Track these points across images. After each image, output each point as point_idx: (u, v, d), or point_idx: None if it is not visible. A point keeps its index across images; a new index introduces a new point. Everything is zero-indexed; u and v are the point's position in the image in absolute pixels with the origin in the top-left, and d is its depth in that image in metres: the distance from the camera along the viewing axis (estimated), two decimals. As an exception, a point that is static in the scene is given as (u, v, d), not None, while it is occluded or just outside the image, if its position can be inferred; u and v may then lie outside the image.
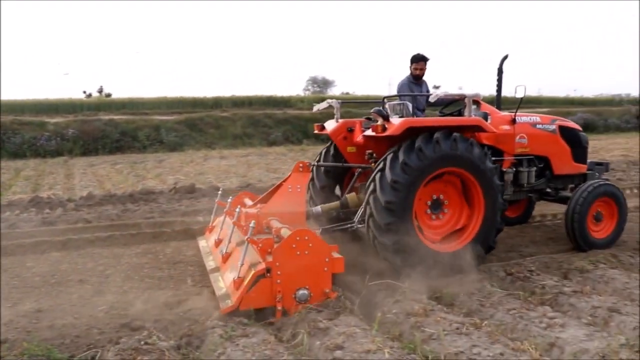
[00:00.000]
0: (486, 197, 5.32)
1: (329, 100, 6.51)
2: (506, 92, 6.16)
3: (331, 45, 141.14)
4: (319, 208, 5.79)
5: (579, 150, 6.64)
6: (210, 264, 5.34)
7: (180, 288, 5.13)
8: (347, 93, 49.93)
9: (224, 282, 4.71)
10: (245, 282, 4.23)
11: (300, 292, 4.29)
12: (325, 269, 4.36)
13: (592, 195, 6.10)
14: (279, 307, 4.22)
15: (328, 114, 6.44)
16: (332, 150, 6.44)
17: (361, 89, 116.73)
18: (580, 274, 5.09)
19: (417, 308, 4.13)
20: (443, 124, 5.28)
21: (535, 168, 6.34)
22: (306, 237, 4.33)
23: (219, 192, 6.80)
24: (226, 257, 5.01)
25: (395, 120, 5.22)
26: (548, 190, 6.62)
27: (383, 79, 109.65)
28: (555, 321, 3.94)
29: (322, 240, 4.41)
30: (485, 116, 6.00)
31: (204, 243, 6.19)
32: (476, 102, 5.93)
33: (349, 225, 5.40)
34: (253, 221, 4.61)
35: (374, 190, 5.05)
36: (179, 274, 5.60)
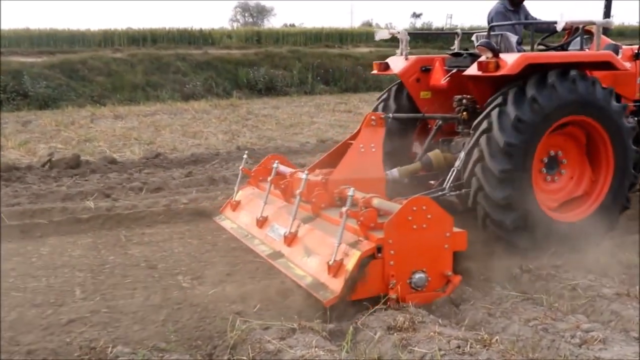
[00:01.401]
0: (615, 145, 5.86)
1: (393, 30, 6.87)
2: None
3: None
4: (395, 171, 6.18)
5: None
6: (262, 248, 5.65)
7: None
8: (293, 25, 49.56)
9: (302, 268, 4.95)
10: (350, 266, 4.45)
11: (417, 275, 4.58)
12: (446, 246, 4.66)
13: None
14: (393, 296, 4.47)
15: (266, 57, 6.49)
16: (401, 96, 6.88)
17: (311, 20, 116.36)
18: (625, 271, 5.22)
19: (402, 320, 4.11)
20: (569, 59, 5.70)
21: None
22: (424, 207, 4.58)
23: (244, 157, 7.13)
24: (291, 238, 5.31)
25: (509, 56, 5.56)
26: None
27: (341, 7, 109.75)
28: (592, 335, 4.00)
29: (442, 210, 4.66)
30: (617, 50, 6.33)
31: (230, 223, 6.59)
32: (588, 33, 6.26)
33: (439, 194, 5.66)
34: (352, 189, 4.82)
35: (479, 160, 5.48)
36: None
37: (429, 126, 6.81)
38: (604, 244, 5.70)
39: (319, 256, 4.83)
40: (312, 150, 11.74)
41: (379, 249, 4.50)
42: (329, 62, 27.97)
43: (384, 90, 7.12)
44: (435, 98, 6.73)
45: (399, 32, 6.85)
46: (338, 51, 30.91)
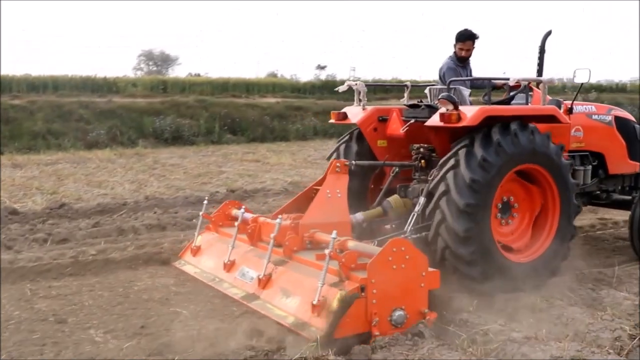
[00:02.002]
0: (561, 197, 6.32)
1: (351, 82, 7.24)
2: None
3: (170, 15, 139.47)
4: (359, 215, 6.48)
5: (634, 145, 7.63)
6: (234, 291, 5.86)
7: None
8: (198, 74, 49.48)
9: (281, 309, 5.18)
10: (335, 305, 4.69)
11: (397, 313, 4.84)
12: (422, 284, 4.96)
13: None
14: (376, 332, 4.73)
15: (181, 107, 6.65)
16: (357, 144, 7.25)
17: (216, 70, 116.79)
18: (531, 314, 5.41)
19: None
20: (519, 113, 6.18)
21: (590, 166, 7.22)
22: (403, 248, 4.89)
23: (205, 203, 7.26)
24: (266, 281, 5.55)
25: (468, 109, 5.97)
26: (597, 192, 7.48)
27: (247, 58, 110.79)
28: (507, 378, 4.13)
29: (419, 251, 4.98)
30: (559, 104, 6.84)
31: (192, 268, 6.77)
32: (530, 89, 6.67)
33: (402, 237, 5.76)
34: (335, 231, 5.10)
35: (445, 193, 5.80)
36: None
37: (385, 173, 7.23)
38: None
39: (298, 297, 5.10)
40: (222, 200, 11.62)
41: (362, 289, 4.75)
42: (235, 112, 27.99)
43: (341, 138, 7.47)
44: (391, 146, 7.15)
45: (356, 84, 7.25)
46: (245, 101, 31.02)
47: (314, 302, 4.81)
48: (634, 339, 4.77)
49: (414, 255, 4.93)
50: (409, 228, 6.04)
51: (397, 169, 6.97)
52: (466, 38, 7.31)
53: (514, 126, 5.98)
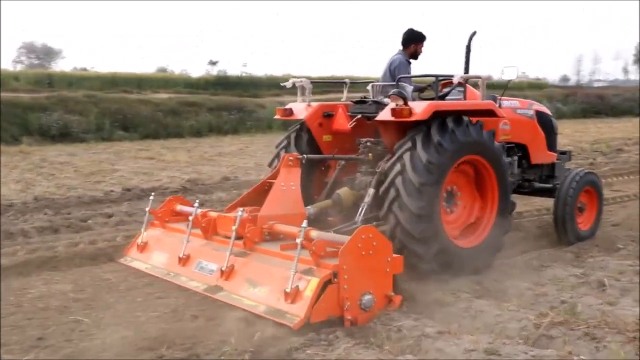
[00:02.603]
0: (500, 188, 6.74)
1: (297, 79, 7.53)
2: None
3: (52, 7, 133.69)
4: (311, 208, 6.70)
5: (551, 137, 8.32)
6: (193, 284, 5.93)
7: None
8: (84, 69, 47.70)
9: (250, 299, 5.32)
10: (308, 292, 4.93)
11: (366, 297, 5.10)
12: (388, 269, 5.27)
13: (580, 185, 7.87)
14: (349, 317, 4.99)
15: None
16: (304, 139, 7.42)
17: (102, 65, 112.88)
18: (440, 309, 5.46)
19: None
20: (463, 107, 6.57)
21: (516, 157, 7.79)
22: (370, 235, 5.16)
23: (151, 198, 7.27)
24: (229, 272, 5.67)
25: (418, 104, 6.27)
26: (521, 182, 8.10)
27: (134, 53, 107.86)
28: (423, 375, 4.12)
29: (385, 237, 5.33)
30: (495, 99, 7.30)
31: (141, 264, 6.71)
32: (462, 85, 7.07)
33: (354, 226, 6.11)
34: (305, 221, 5.42)
35: (401, 172, 6.07)
36: None
37: (329, 167, 7.52)
38: (424, 282, 5.98)
39: (267, 286, 5.29)
40: (118, 199, 11.19)
41: (334, 275, 4.99)
42: (127, 108, 27.06)
43: (286, 135, 7.66)
44: (335, 141, 7.46)
45: (301, 81, 7.54)
46: (136, 97, 30.11)
47: (287, 290, 5.00)
48: (539, 327, 4.89)
49: (380, 241, 5.22)
50: (360, 218, 6.36)
51: (343, 163, 7.27)
52: (424, 38, 7.76)
53: (466, 119, 6.39)
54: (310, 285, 4.98)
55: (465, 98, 6.99)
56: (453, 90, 7.22)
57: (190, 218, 6.44)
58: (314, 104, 7.43)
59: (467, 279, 6.22)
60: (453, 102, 6.83)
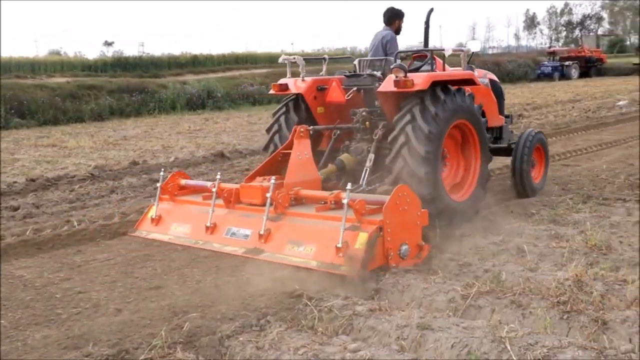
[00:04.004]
0: (482, 148, 7.62)
1: (287, 57, 8.18)
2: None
3: None
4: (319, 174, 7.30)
5: (501, 102, 9.15)
6: (230, 249, 6.50)
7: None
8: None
9: (297, 257, 5.96)
10: (359, 245, 5.65)
11: (403, 247, 5.83)
12: (418, 222, 5.98)
13: (533, 144, 8.78)
14: (393, 264, 5.72)
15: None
16: (302, 111, 8.07)
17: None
18: (368, 286, 5.45)
19: None
20: (452, 78, 7.41)
21: None
22: (405, 193, 5.90)
23: (161, 174, 7.62)
24: (267, 235, 6.30)
25: (418, 75, 6.92)
26: None
27: (23, 35, 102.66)
28: (361, 355, 4.08)
29: (415, 195, 5.99)
30: (473, 70, 8.16)
31: (161, 235, 7.24)
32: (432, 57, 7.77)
33: (361, 189, 6.95)
34: (349, 184, 6.09)
35: (406, 143, 6.77)
36: None
37: (322, 136, 8.16)
38: None
39: (314, 244, 5.96)
40: (22, 191, 10.56)
41: (380, 229, 5.70)
42: (22, 94, 25.55)
43: (281, 105, 8.25)
44: (328, 112, 8.15)
45: (294, 58, 8.19)
46: (32, 82, 28.62)
47: (339, 245, 5.62)
48: (467, 298, 4.94)
49: (412, 199, 5.93)
50: (364, 181, 7.09)
51: (338, 132, 7.97)
52: (404, 15, 8.48)
53: (452, 88, 7.12)
54: (359, 240, 5.67)
55: (433, 69, 7.54)
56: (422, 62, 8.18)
57: (214, 190, 6.97)
58: (308, 79, 8.06)
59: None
60: (446, 72, 7.62)
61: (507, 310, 4.71)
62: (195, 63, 42.88)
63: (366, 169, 7.24)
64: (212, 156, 13.85)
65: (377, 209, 5.93)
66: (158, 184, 7.53)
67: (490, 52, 75.18)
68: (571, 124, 18.19)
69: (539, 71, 47.17)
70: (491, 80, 9.18)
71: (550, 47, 61.14)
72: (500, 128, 9.19)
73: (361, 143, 7.71)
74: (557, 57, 48.65)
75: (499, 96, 9.15)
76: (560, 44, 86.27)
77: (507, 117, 9.46)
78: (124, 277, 6.14)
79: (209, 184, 7.31)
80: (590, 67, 48.69)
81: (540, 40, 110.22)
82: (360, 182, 7.10)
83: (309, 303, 4.98)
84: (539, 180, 9.09)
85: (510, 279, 5.30)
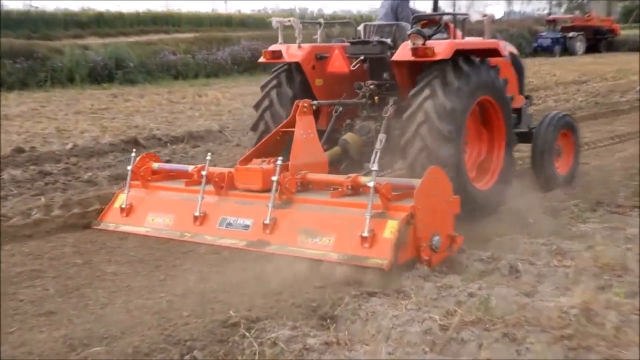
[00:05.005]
0: (507, 129, 8.17)
1: (283, 19, 8.83)
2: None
3: None
4: None
5: (521, 80, 9.73)
6: (229, 241, 6.99)
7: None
8: None
9: (312, 249, 6.45)
10: (388, 234, 6.07)
11: (435, 238, 6.25)
12: (449, 210, 6.48)
13: (557, 128, 9.21)
14: (425, 257, 6.18)
15: None
16: (296, 81, 8.65)
17: None
18: (320, 313, 5.44)
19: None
20: (478, 46, 7.95)
21: None
22: (437, 176, 6.38)
23: (133, 155, 8.18)
24: (273, 225, 6.78)
25: (439, 43, 7.40)
26: None
27: None
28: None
29: (447, 178, 6.48)
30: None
31: (137, 228, 7.73)
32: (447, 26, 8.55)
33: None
34: (375, 164, 6.89)
35: (425, 121, 7.25)
36: None
37: (319, 112, 8.60)
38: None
39: (333, 234, 6.43)
40: None
41: (412, 216, 6.11)
42: None
43: (270, 80, 8.78)
44: (327, 85, 8.70)
45: (289, 21, 8.79)
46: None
47: (364, 234, 6.09)
48: (447, 329, 4.97)
49: (444, 182, 6.41)
50: (375, 165, 7.18)
51: (340, 108, 8.48)
52: None
53: (476, 59, 7.61)
54: (388, 228, 6.09)
55: (463, 37, 8.10)
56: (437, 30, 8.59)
57: (204, 173, 7.40)
58: (305, 45, 8.62)
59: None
60: (469, 41, 8.16)
61: (497, 345, 4.75)
62: (100, 23, 42.20)
63: (376, 152, 7.68)
64: (123, 144, 13.71)
65: (403, 194, 6.48)
66: (129, 167, 8.01)
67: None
68: (576, 110, 18.50)
69: (536, 44, 48.04)
70: (511, 54, 9.54)
71: (549, 15, 62.23)
72: (520, 110, 9.57)
73: (368, 121, 8.30)
74: (559, 27, 49.54)
75: (520, 73, 9.67)
76: (562, 11, 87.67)
77: (526, 97, 9.95)
78: (3, 299, 6.02)
79: (189, 167, 7.87)
80: (599, 40, 49.66)
81: (537, 5, 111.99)
82: (370, 166, 7.43)
83: (247, 334, 4.98)
84: (565, 172, 9.53)
85: (502, 306, 5.34)
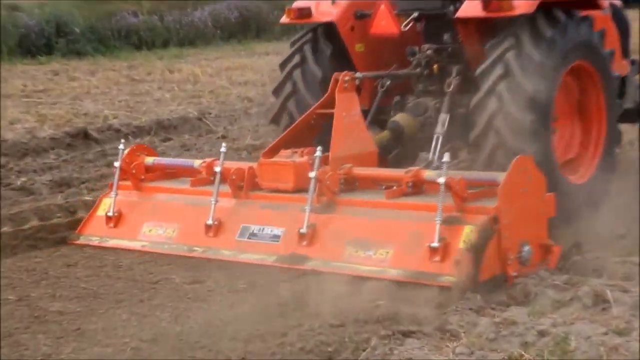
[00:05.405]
0: (609, 103, 8.44)
1: None
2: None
3: None
4: None
5: (626, 40, 9.93)
6: (253, 257, 7.23)
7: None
8: None
9: (365, 264, 6.67)
10: (467, 243, 6.23)
11: (525, 248, 6.46)
12: (542, 211, 6.72)
13: None
14: (514, 273, 6.38)
15: None
16: (327, 51, 8.86)
17: None
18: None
19: None
20: None
21: None
22: (527, 167, 6.58)
23: (121, 147, 8.40)
24: (311, 234, 6.99)
25: None
26: None
27: None
28: None
29: (539, 170, 6.69)
30: None
31: (130, 243, 7.97)
32: None
33: (433, 166, 7.60)
34: (447, 154, 6.72)
35: (505, 75, 7.43)
36: None
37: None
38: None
39: (391, 244, 6.67)
40: None
41: (495, 220, 6.26)
42: None
43: (294, 48, 8.99)
44: (370, 51, 9.01)
45: None
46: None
47: (434, 245, 6.29)
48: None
49: (535, 176, 6.62)
50: (436, 154, 7.77)
51: (387, 82, 8.69)
52: None
53: (575, 12, 7.91)
54: (465, 235, 6.31)
55: None
56: None
57: (217, 170, 7.57)
58: (341, 1, 8.78)
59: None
60: None
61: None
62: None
63: (437, 137, 7.94)
64: (68, 137, 13.81)
65: (481, 192, 6.80)
66: (116, 164, 8.17)
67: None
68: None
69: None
70: (611, 5, 9.63)
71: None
72: (623, 79, 9.62)
73: (424, 97, 8.50)
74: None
75: (624, 31, 9.86)
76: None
77: (632, 63, 10.04)
78: None
79: (196, 162, 8.09)
80: None
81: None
82: (430, 156, 7.82)
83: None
84: None
85: (585, 348, 5.32)
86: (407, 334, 5.68)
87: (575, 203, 7.68)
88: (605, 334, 5.51)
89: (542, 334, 5.61)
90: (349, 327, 5.89)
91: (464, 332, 5.71)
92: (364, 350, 5.47)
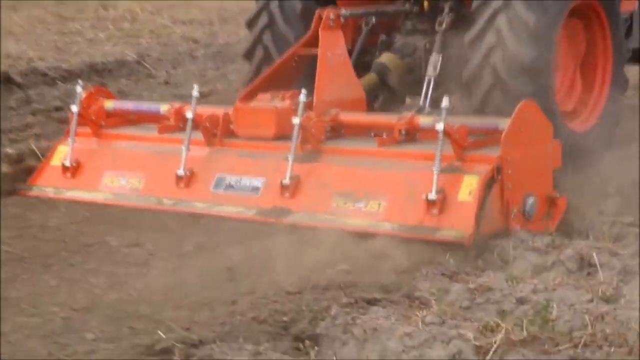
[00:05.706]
0: (615, 45, 8.62)
1: None
2: None
3: None
4: None
5: None
6: (232, 210, 7.36)
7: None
8: None
9: (356, 217, 6.83)
10: (466, 196, 6.47)
11: (530, 200, 6.73)
12: (548, 161, 6.95)
13: None
14: (516, 226, 6.58)
15: None
16: None
17: None
18: (304, 334, 5.48)
19: None
20: None
21: None
22: (532, 113, 6.78)
23: (79, 90, 8.29)
24: (294, 185, 7.12)
25: None
26: None
27: None
28: None
29: (545, 116, 6.92)
30: None
31: (92, 194, 8.09)
32: None
33: (422, 113, 7.77)
34: (446, 98, 6.69)
35: (497, 45, 7.63)
36: None
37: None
38: None
39: (383, 196, 6.85)
40: None
41: (498, 170, 6.50)
42: None
43: None
44: None
45: None
46: None
47: (431, 197, 6.45)
48: (486, 353, 5.00)
49: (541, 122, 6.86)
50: (428, 99, 8.03)
51: (372, 19, 8.94)
52: None
53: None
54: (465, 187, 6.52)
55: None
56: None
57: (190, 115, 7.68)
58: None
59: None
60: None
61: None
62: None
63: (428, 79, 8.18)
64: (-14, 83, 13.60)
65: (482, 140, 6.96)
66: (73, 108, 8.09)
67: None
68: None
69: None
70: None
71: None
72: (630, 16, 9.75)
73: (413, 36, 8.81)
74: None
75: None
76: None
77: None
78: None
79: (163, 107, 8.26)
80: None
81: None
82: (420, 102, 7.85)
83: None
84: None
85: (568, 317, 5.40)
86: (371, 302, 5.76)
87: (572, 153, 7.72)
88: (591, 301, 5.61)
89: (521, 301, 5.71)
90: (307, 294, 5.95)
91: (434, 300, 5.77)
92: (322, 320, 5.52)
